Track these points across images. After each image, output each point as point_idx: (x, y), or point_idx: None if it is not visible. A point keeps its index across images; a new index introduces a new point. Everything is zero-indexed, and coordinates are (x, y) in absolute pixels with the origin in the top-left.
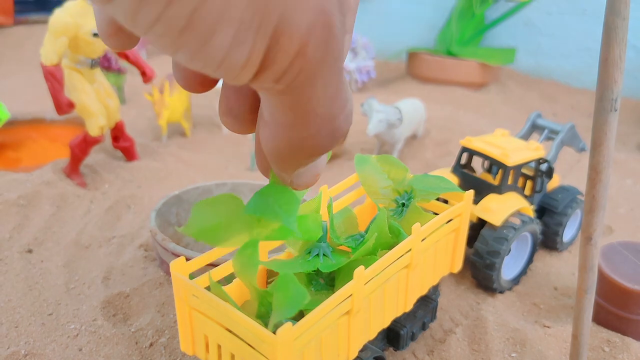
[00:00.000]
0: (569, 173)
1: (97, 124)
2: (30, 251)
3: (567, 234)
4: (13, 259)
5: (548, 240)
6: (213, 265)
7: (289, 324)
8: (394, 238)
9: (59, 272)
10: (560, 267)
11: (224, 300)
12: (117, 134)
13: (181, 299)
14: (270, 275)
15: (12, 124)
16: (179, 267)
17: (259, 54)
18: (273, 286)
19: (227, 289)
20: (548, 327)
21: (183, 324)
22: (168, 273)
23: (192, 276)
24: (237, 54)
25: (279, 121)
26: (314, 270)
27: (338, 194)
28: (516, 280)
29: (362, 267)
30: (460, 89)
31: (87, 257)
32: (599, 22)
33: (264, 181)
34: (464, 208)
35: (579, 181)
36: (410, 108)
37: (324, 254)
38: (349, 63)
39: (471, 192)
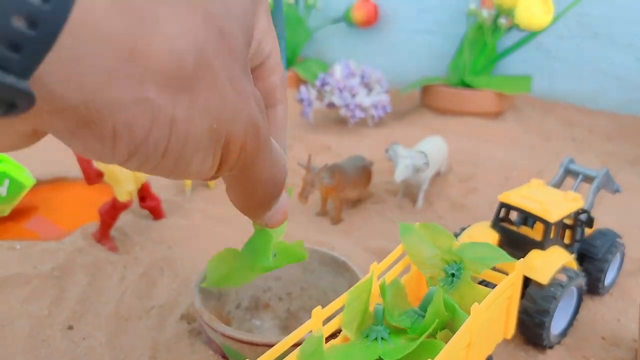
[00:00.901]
0: (596, 207)
1: (126, 190)
2: (71, 327)
3: (608, 277)
4: (55, 338)
5: (589, 286)
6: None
7: None
8: (449, 315)
9: (103, 350)
10: (604, 313)
11: None
12: (144, 194)
13: None
14: None
15: (35, 185)
16: None
17: (217, 160)
18: None
19: None
20: None
21: None
22: (216, 351)
23: None
24: (205, 167)
25: (237, 190)
26: None
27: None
28: (564, 334)
29: None
30: (477, 119)
31: (129, 331)
32: (611, 44)
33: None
34: (517, 277)
35: (609, 215)
36: (434, 148)
37: (382, 338)
38: (364, 99)
39: (522, 261)
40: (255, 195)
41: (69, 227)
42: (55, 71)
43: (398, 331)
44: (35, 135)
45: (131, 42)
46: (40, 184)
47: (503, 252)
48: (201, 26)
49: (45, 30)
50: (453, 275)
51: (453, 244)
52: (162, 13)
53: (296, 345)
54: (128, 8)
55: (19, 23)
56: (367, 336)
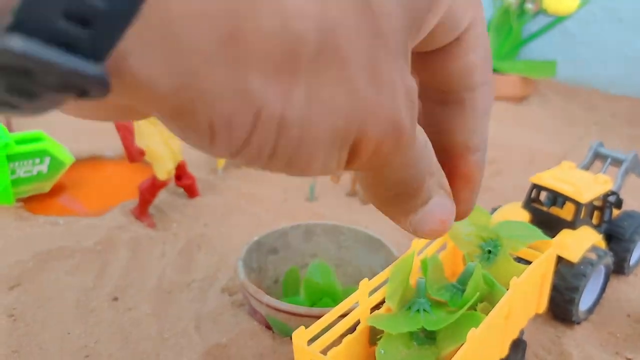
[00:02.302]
0: (624, 189)
1: (165, 169)
2: (116, 299)
3: (634, 257)
4: (102, 309)
5: (615, 266)
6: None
7: None
8: (488, 289)
9: (149, 321)
10: (629, 292)
11: None
12: (180, 172)
13: None
14: (374, 332)
15: (73, 164)
16: (300, 337)
17: (343, 160)
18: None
19: (336, 350)
20: (630, 359)
21: None
22: (261, 322)
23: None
24: (326, 169)
25: (364, 185)
26: None
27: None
28: (591, 310)
29: (474, 329)
30: (502, 103)
31: (172, 303)
32: (635, 29)
33: (334, 220)
34: (552, 255)
35: (635, 198)
36: None
37: (424, 310)
38: None
39: (556, 239)
40: (384, 193)
41: (107, 205)
42: (138, 52)
43: (438, 304)
44: (136, 113)
45: (233, 19)
46: (78, 162)
47: (538, 231)
48: (337, 1)
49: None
50: (490, 252)
51: (489, 222)
52: None
53: (342, 316)
54: None
55: None
56: (409, 308)
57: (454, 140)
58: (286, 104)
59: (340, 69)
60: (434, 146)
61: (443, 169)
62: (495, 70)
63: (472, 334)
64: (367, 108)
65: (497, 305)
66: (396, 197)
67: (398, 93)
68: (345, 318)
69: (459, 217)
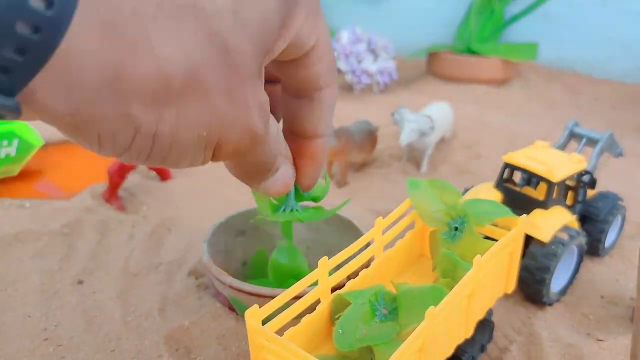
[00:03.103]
0: (599, 171)
1: None
2: (81, 282)
3: (608, 239)
4: (66, 291)
5: (590, 247)
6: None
7: None
8: (452, 267)
9: (114, 304)
10: (603, 273)
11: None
12: None
13: (257, 346)
14: (335, 312)
15: (42, 146)
16: (253, 317)
17: (208, 157)
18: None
19: (294, 329)
20: (601, 340)
21: None
22: (225, 304)
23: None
24: (195, 163)
25: (229, 166)
26: (377, 302)
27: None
28: (564, 292)
29: (433, 307)
30: (483, 86)
31: (138, 287)
32: (619, 12)
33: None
34: (519, 233)
35: (612, 181)
36: (440, 114)
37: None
38: (370, 65)
39: (524, 217)
40: (246, 173)
41: (77, 188)
42: (43, 88)
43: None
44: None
45: (117, 65)
46: (48, 146)
47: (506, 208)
48: (200, 44)
49: (33, 56)
50: (456, 229)
51: (458, 200)
52: (156, 36)
53: (298, 297)
54: (118, 35)
55: (9, 49)
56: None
57: (305, 126)
58: (160, 122)
59: (204, 96)
60: (289, 130)
61: (293, 149)
62: (476, 53)
63: (431, 311)
64: (226, 121)
65: (459, 283)
66: (254, 173)
67: (251, 107)
68: (303, 297)
69: (304, 189)
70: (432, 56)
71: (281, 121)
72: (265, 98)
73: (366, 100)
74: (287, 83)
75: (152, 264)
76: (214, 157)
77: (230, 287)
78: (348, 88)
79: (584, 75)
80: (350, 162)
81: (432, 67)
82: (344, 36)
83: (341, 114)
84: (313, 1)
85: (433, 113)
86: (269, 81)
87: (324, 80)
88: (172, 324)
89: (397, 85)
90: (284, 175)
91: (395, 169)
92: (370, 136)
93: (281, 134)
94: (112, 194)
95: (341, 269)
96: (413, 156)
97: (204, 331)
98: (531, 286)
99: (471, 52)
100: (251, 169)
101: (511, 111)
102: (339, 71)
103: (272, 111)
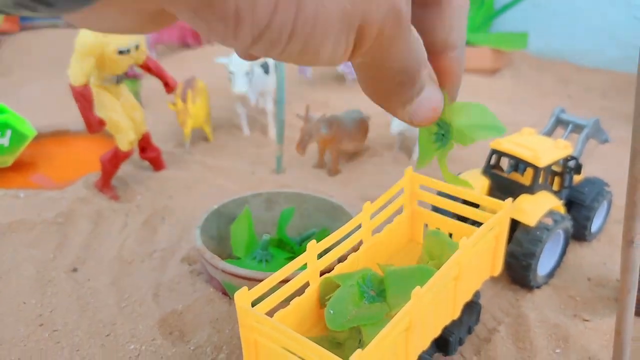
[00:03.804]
0: (588, 158)
1: (127, 139)
2: (75, 270)
3: (595, 224)
4: (60, 279)
5: (577, 232)
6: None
7: (358, 350)
8: (439, 248)
9: (108, 291)
10: (591, 257)
11: (289, 327)
12: (144, 145)
13: (246, 327)
14: (324, 294)
15: (36, 138)
16: (242, 299)
17: (350, 46)
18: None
19: (284, 311)
20: (587, 320)
21: (249, 352)
22: (218, 289)
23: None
24: (336, 53)
25: (367, 77)
26: (365, 284)
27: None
28: (551, 275)
29: (419, 287)
30: (474, 75)
31: (132, 274)
32: (608, 2)
33: (296, 189)
34: (504, 216)
35: (600, 168)
36: None
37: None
38: None
39: (510, 200)
40: (386, 83)
41: (71, 178)
42: None
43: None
44: (159, 19)
45: None
46: (41, 137)
47: (499, 124)
48: None
49: None
50: (443, 135)
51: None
52: None
53: (286, 281)
54: None
55: None
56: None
57: (435, 38)
58: None
59: None
60: None
61: None
62: (467, 43)
63: (417, 291)
64: None
65: (445, 265)
66: (396, 87)
67: None
68: (292, 280)
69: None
70: None
71: None
72: None
73: (358, 90)
74: None
75: (145, 251)
76: (356, 46)
77: (223, 271)
78: (340, 78)
79: (574, 64)
80: (342, 150)
81: None
82: None
83: (333, 104)
84: None
85: None
86: None
87: None
88: (165, 309)
89: None
90: (431, 97)
91: (386, 158)
92: (361, 124)
93: (421, 42)
94: (105, 183)
95: (329, 253)
96: (405, 145)
97: (197, 315)
98: (518, 271)
99: None
100: (396, 78)
101: (502, 100)
102: None
103: None
